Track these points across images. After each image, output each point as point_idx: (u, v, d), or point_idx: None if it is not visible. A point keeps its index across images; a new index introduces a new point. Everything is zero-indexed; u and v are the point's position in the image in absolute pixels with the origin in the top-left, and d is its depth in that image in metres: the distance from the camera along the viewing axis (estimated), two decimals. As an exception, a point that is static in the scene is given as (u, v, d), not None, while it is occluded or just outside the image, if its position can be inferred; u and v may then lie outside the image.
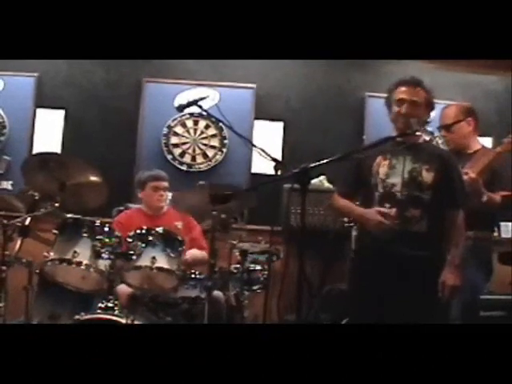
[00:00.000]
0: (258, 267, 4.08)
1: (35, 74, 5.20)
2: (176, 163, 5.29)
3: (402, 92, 3.02)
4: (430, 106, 3.06)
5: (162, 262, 3.27)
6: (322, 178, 4.98)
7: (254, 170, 5.25)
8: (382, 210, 2.96)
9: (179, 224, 4.08)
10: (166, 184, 4.14)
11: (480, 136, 3.66)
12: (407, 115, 2.97)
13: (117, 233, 3.33)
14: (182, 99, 5.09)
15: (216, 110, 3.35)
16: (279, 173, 3.14)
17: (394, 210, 2.93)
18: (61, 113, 5.25)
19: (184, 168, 5.30)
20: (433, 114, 3.11)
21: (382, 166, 3.04)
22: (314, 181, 4.79)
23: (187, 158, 5.32)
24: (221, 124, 5.19)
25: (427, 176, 2.97)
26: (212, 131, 5.33)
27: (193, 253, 3.94)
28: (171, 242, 3.38)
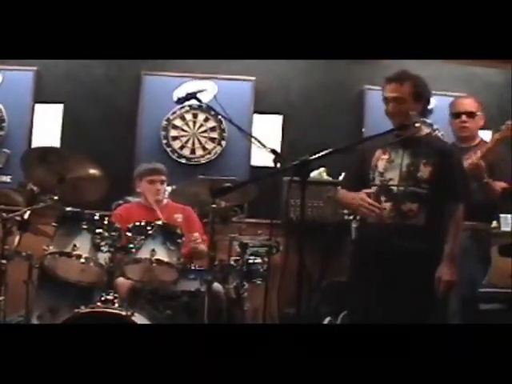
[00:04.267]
0: (258, 260, 4.08)
1: (34, 68, 5.18)
2: (175, 156, 5.28)
3: (388, 90, 3.04)
4: (420, 98, 3.02)
5: (162, 254, 3.27)
6: (321, 170, 4.98)
7: (253, 162, 5.24)
8: (368, 191, 2.97)
9: (179, 217, 4.07)
10: (162, 177, 4.07)
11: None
12: (394, 114, 3.00)
13: (116, 226, 3.33)
14: (180, 92, 5.08)
15: (215, 103, 3.35)
16: (278, 165, 3.15)
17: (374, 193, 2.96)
18: (60, 107, 5.24)
19: (183, 161, 5.29)
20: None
21: (380, 160, 3.05)
22: (313, 173, 4.87)
23: (186, 151, 5.31)
24: (220, 117, 5.19)
25: (425, 170, 2.96)
26: (211, 124, 5.32)
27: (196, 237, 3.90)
28: (171, 234, 3.38)
